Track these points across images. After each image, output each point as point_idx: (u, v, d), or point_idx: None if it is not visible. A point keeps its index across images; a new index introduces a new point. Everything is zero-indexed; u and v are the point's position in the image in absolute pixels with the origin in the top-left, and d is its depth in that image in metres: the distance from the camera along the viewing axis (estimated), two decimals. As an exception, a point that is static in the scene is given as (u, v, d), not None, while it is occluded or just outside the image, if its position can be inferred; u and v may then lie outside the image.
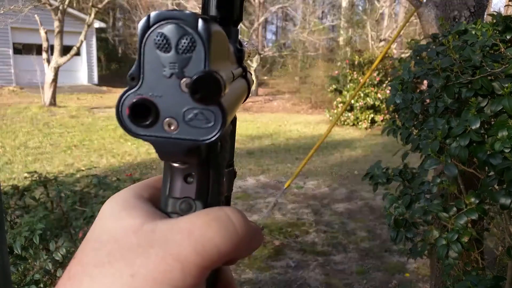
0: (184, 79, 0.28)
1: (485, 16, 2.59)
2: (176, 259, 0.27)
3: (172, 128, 0.28)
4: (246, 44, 0.40)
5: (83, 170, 2.93)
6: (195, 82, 0.27)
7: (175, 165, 0.31)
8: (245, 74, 0.38)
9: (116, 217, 0.30)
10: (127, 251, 0.27)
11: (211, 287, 0.33)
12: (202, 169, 0.31)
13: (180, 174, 0.31)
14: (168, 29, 0.28)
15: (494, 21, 1.85)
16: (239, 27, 0.38)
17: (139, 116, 0.28)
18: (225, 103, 0.28)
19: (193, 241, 0.27)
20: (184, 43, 0.28)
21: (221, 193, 0.33)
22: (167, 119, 0.28)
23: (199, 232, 0.27)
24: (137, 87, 0.28)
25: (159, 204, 0.32)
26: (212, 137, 0.28)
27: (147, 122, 0.28)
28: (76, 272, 0.28)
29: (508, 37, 1.78)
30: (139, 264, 0.26)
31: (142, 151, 8.64)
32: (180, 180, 0.31)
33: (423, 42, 2.27)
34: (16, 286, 2.08)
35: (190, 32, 0.28)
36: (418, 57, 2.13)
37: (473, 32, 1.87)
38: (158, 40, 0.28)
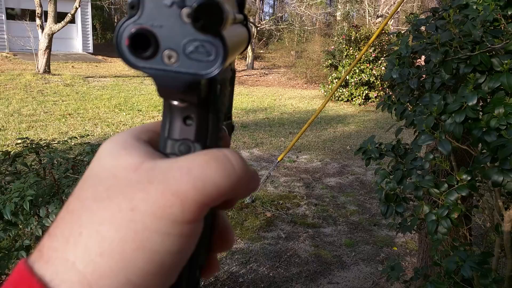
0: (185, 9, 0.27)
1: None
2: (175, 194, 0.27)
3: (172, 60, 0.28)
4: None
5: (76, 138, 2.90)
6: (197, 9, 0.26)
7: (175, 103, 0.30)
8: (246, 22, 0.37)
9: (115, 156, 0.30)
10: (127, 187, 0.28)
11: (209, 229, 0.34)
12: (202, 112, 0.31)
13: (179, 116, 0.31)
14: None
15: (496, -4, 1.81)
16: None
17: (138, 47, 0.28)
18: (226, 37, 0.28)
19: (192, 178, 0.27)
20: None
21: (220, 138, 0.33)
22: (167, 51, 0.28)
23: (198, 169, 0.28)
24: (137, 16, 0.28)
25: (158, 147, 0.32)
26: (212, 71, 0.28)
27: (147, 54, 0.28)
28: (75, 207, 0.28)
29: (509, 12, 1.75)
30: (138, 199, 0.27)
31: (137, 121, 8.61)
32: (179, 121, 0.31)
33: (422, 17, 2.24)
34: (6, 252, 2.08)
35: None
36: (416, 32, 2.10)
37: (474, 7, 1.84)
38: None
